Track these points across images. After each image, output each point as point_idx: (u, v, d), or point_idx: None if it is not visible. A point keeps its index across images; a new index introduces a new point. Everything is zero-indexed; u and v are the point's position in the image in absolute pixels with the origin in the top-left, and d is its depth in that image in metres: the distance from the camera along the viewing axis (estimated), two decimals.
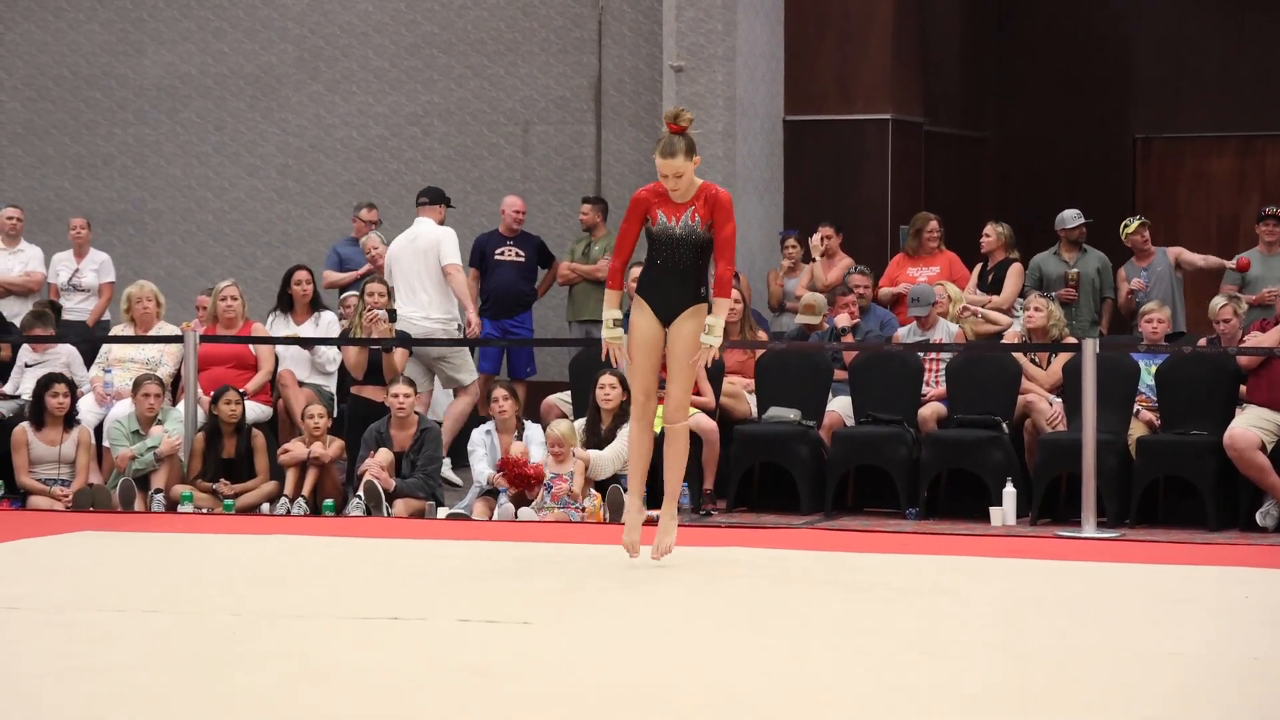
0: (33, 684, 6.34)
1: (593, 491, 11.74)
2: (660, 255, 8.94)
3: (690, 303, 8.94)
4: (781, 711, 5.99)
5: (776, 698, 6.16)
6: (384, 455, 12.04)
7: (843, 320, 13.31)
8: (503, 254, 15.18)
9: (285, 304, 13.62)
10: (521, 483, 11.66)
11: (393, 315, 13.03)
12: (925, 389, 12.83)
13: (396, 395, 12.19)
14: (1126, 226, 14.09)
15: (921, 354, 12.81)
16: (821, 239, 14.57)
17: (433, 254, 13.47)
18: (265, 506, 12.32)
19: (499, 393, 12.17)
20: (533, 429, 12.14)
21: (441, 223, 13.77)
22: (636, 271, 9.45)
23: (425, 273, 13.44)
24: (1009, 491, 11.94)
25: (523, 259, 15.18)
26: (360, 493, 11.93)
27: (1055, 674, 6.58)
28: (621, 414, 11.72)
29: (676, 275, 8.92)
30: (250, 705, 6.06)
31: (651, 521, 9.26)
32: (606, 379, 11.83)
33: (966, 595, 8.44)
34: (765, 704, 6.07)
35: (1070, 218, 14.10)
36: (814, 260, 14.45)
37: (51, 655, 6.84)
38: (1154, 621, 7.74)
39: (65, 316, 14.87)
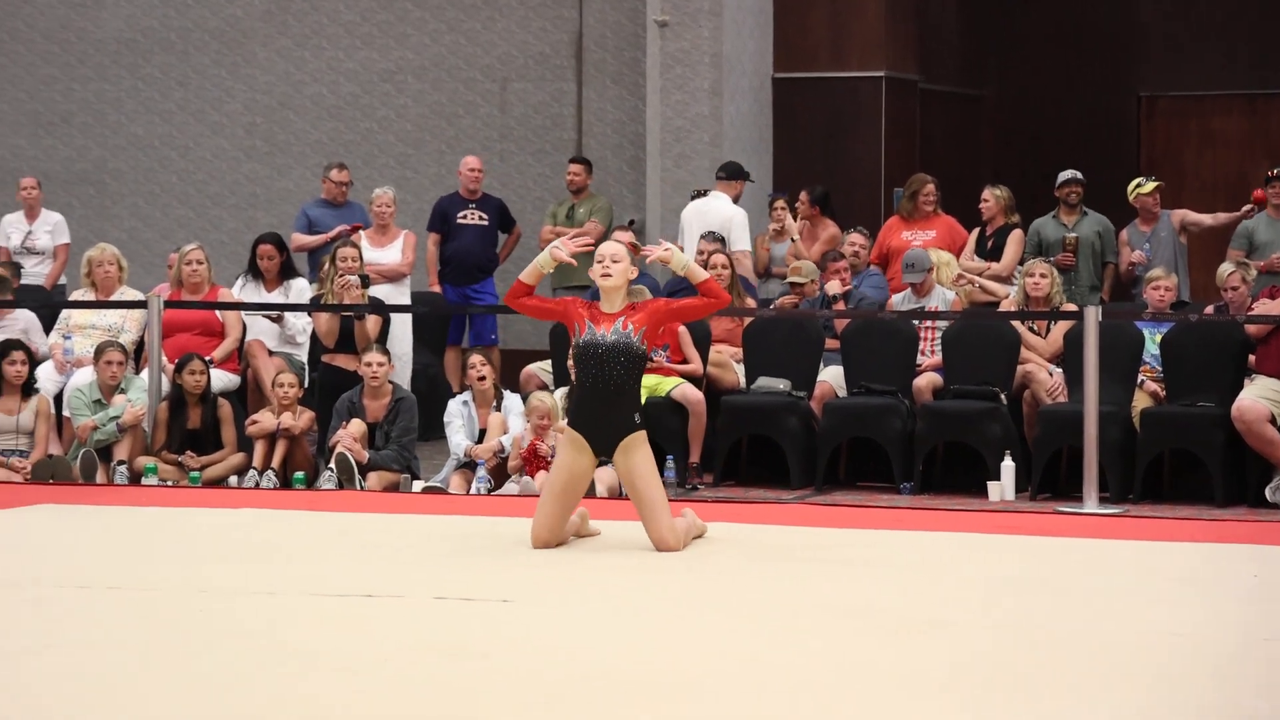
0: None
1: None
2: (588, 374, 8.77)
3: (627, 430, 8.76)
4: (769, 692, 5.97)
5: (763, 678, 6.16)
6: (357, 426, 11.94)
7: (834, 287, 13.21)
8: (465, 217, 15.08)
9: (255, 270, 13.49)
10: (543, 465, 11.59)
11: (365, 281, 12.91)
12: (920, 358, 12.70)
13: (370, 364, 12.09)
14: (1140, 186, 13.90)
15: (916, 322, 12.70)
16: (796, 208, 14.50)
17: (724, 232, 13.92)
18: (233, 479, 12.24)
19: (475, 359, 12.08)
20: (511, 399, 12.05)
21: (737, 199, 14.27)
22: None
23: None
24: (1007, 465, 11.80)
25: (485, 222, 15.09)
26: (332, 465, 11.84)
27: (1053, 654, 6.55)
28: None
29: (607, 398, 8.74)
30: (219, 685, 6.03)
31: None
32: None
33: (963, 573, 8.40)
34: (751, 685, 6.07)
35: (1064, 175, 13.97)
36: (794, 240, 14.29)
37: (12, 634, 6.82)
38: (1158, 600, 7.71)
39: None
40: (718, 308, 9.07)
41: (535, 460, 11.39)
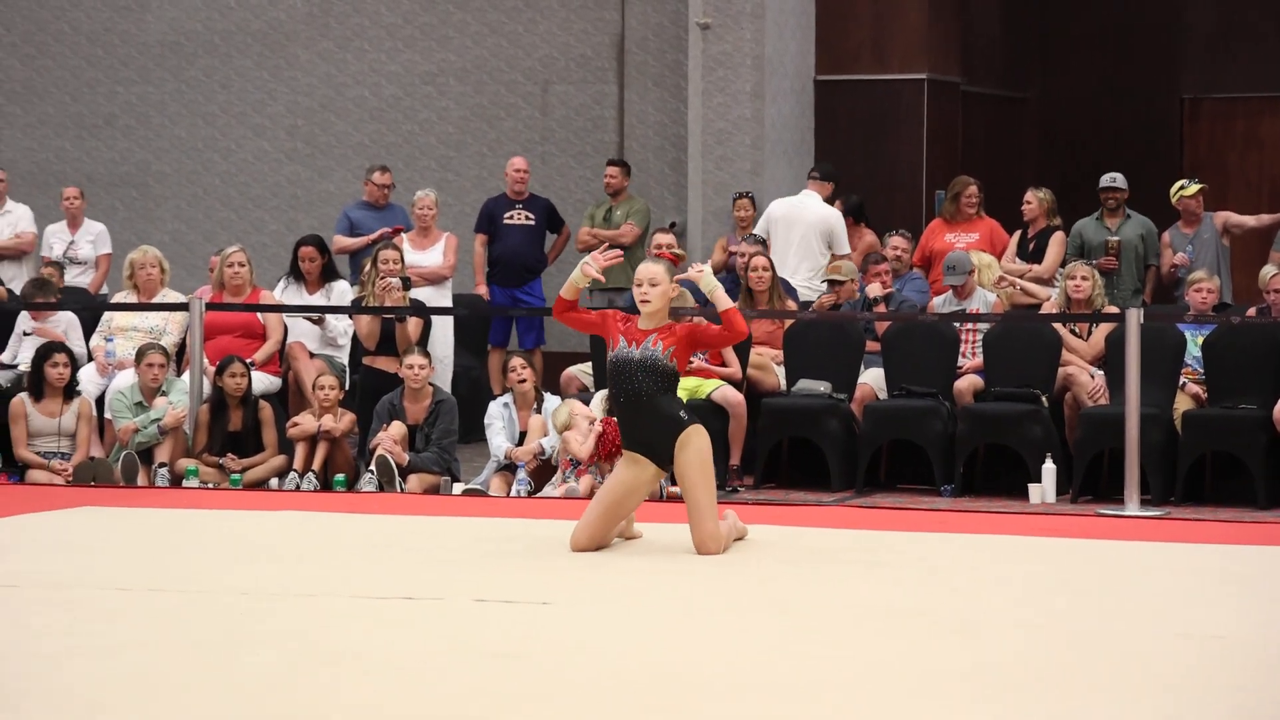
0: (35, 665, 6.34)
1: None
2: (620, 389, 8.83)
3: (678, 428, 8.80)
4: (809, 694, 5.96)
5: (802, 680, 6.15)
6: (397, 429, 11.93)
7: (875, 290, 13.16)
8: (511, 218, 15.03)
9: (297, 272, 13.46)
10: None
11: (406, 283, 12.88)
12: (961, 360, 12.66)
13: (411, 366, 12.07)
14: (1184, 188, 13.79)
15: (957, 324, 12.68)
16: None
17: (818, 233, 13.90)
18: (274, 481, 12.23)
19: (516, 363, 12.08)
20: (552, 402, 12.04)
21: (829, 200, 14.18)
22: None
23: (805, 245, 13.76)
24: (1048, 468, 11.76)
25: (533, 222, 15.02)
26: (373, 467, 11.84)
27: (1088, 656, 6.52)
28: None
29: (640, 407, 8.80)
30: (258, 688, 6.03)
31: None
32: None
33: (1003, 575, 8.38)
34: (790, 687, 6.05)
35: (1105, 180, 13.89)
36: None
37: (54, 635, 6.84)
38: (1199, 604, 7.68)
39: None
40: (734, 341, 9.14)
41: (617, 435, 11.22)
